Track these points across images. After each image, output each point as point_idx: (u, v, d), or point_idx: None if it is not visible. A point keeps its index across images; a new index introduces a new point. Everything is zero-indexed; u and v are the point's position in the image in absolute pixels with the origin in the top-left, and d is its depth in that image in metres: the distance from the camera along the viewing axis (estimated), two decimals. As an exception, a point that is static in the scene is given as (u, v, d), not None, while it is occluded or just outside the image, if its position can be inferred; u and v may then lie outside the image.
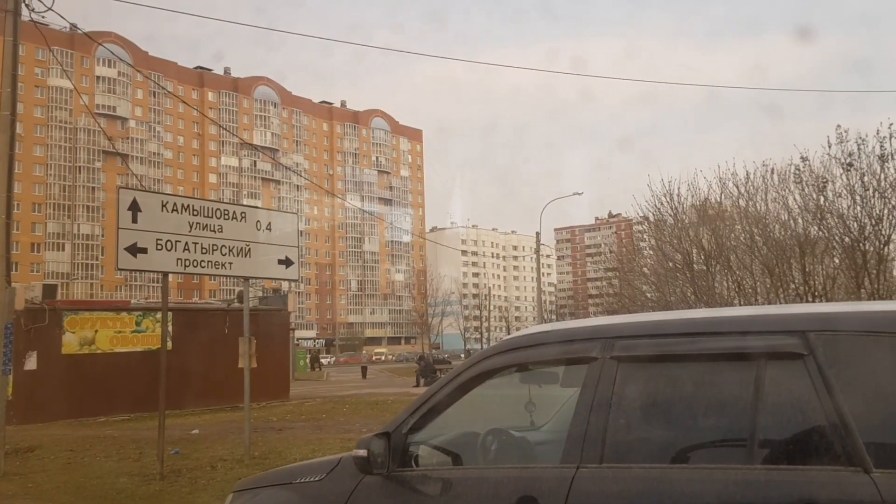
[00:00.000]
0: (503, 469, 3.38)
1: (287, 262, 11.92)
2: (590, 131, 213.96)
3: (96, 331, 20.00)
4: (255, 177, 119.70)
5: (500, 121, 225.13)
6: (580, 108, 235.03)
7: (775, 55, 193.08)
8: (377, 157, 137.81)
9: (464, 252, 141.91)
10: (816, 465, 2.51)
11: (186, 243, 10.52)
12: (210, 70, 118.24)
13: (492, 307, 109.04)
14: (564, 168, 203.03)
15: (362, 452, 3.35)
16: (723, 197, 15.55)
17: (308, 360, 51.28)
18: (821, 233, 13.13)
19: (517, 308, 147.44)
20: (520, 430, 3.85)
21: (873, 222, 12.21)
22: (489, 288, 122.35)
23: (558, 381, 3.71)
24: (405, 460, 3.39)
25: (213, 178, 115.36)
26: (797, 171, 13.29)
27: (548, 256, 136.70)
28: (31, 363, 18.01)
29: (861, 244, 12.32)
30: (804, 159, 13.11)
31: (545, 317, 77.14)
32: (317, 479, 3.68)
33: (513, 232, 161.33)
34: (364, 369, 49.00)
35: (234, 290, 67.61)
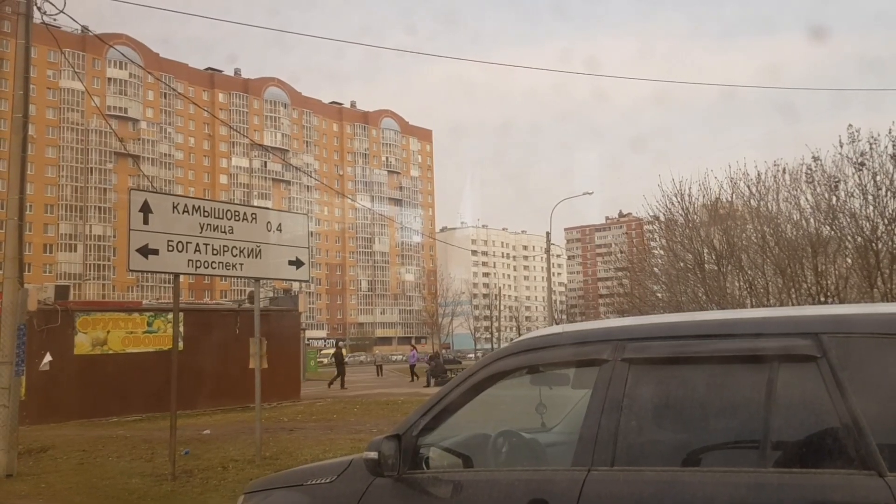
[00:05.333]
0: (514, 471, 3.38)
1: (298, 263, 11.94)
2: (601, 131, 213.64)
3: (108, 331, 20.08)
4: (266, 178, 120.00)
5: (510, 120, 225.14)
6: (592, 108, 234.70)
7: (789, 55, 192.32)
8: (387, 158, 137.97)
9: (474, 252, 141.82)
10: (829, 469, 2.50)
11: (197, 244, 10.55)
12: (221, 71, 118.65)
13: (502, 307, 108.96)
14: (575, 168, 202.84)
15: (373, 455, 3.35)
16: (734, 197, 15.49)
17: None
18: (833, 233, 13.05)
19: (528, 308, 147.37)
20: (530, 432, 3.85)
21: (886, 222, 12.14)
22: (499, 288, 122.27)
23: (569, 383, 3.71)
24: (416, 462, 3.40)
25: (223, 179, 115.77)
26: (809, 171, 13.22)
27: (558, 256, 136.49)
28: (44, 364, 18.10)
29: (874, 244, 12.24)
30: (816, 159, 13.04)
31: (556, 317, 77.08)
32: (328, 480, 3.69)
33: (523, 232, 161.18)
34: (379, 367, 49.72)
35: (245, 290, 67.78)
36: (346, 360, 37.13)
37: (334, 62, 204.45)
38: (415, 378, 36.91)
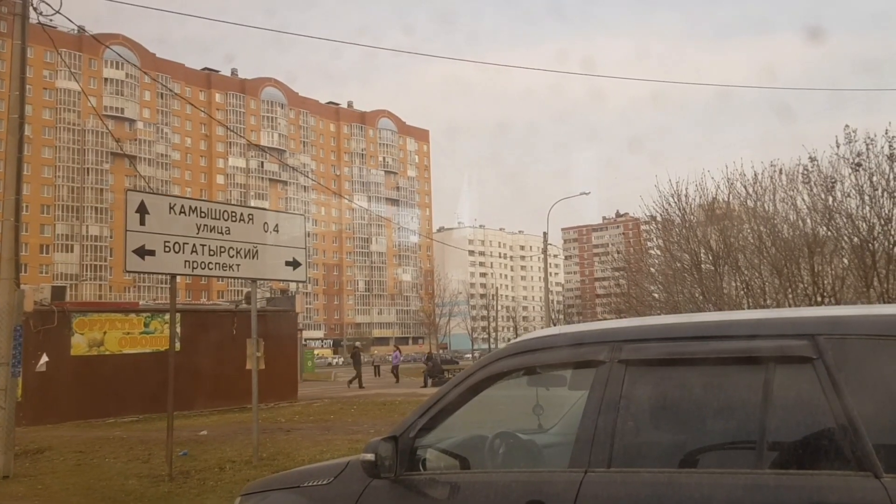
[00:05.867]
0: (511, 473, 3.38)
1: (294, 264, 11.94)
2: (598, 131, 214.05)
3: (105, 332, 20.05)
4: (263, 178, 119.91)
5: (507, 121, 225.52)
6: (588, 108, 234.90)
7: (785, 55, 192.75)
8: (384, 158, 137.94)
9: (471, 252, 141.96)
10: (826, 470, 2.50)
11: (194, 245, 10.54)
12: (217, 71, 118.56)
13: (499, 307, 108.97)
14: (572, 168, 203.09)
15: (370, 456, 3.36)
16: (731, 197, 15.50)
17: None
18: (829, 233, 13.07)
19: (525, 308, 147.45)
20: (527, 433, 3.85)
21: (882, 222, 12.16)
22: (496, 288, 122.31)
23: (566, 384, 3.71)
24: (413, 464, 3.40)
25: (220, 180, 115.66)
26: (805, 172, 13.24)
27: (555, 256, 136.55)
28: (41, 365, 18.06)
29: (870, 244, 12.26)
30: (812, 159, 13.06)
31: (553, 317, 77.08)
32: (325, 482, 3.70)
33: (520, 232, 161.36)
34: (377, 368, 49.79)
35: (241, 290, 67.69)
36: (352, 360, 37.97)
37: (331, 62, 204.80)
38: (398, 379, 37.32)
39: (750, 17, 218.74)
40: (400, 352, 44.69)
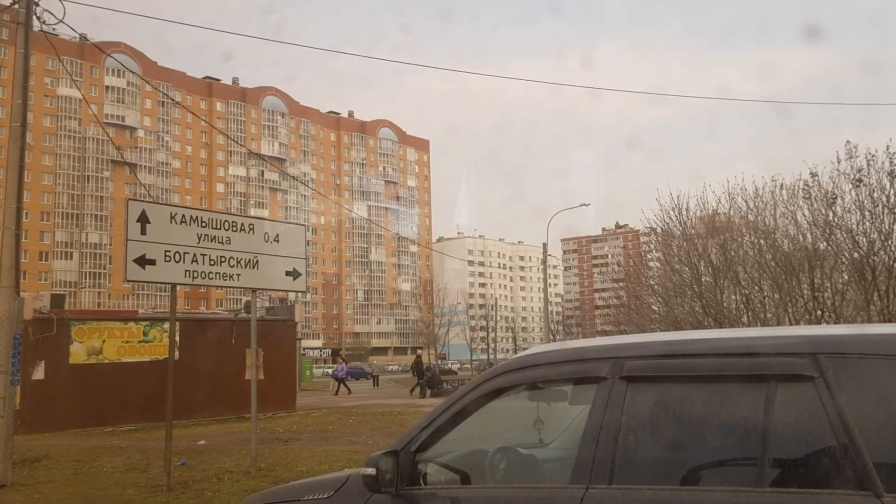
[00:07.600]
0: (512, 488, 3.39)
1: (295, 274, 11.95)
2: (598, 140, 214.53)
3: (104, 340, 20.02)
4: (263, 186, 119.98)
5: (507, 130, 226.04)
6: (589, 118, 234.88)
7: (785, 64, 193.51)
8: (384, 167, 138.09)
9: (470, 262, 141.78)
10: (827, 490, 2.50)
11: (195, 255, 10.55)
12: (218, 80, 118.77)
13: (498, 318, 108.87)
14: (572, 178, 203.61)
15: (370, 471, 3.35)
16: (731, 211, 15.51)
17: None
18: (829, 248, 13.08)
19: (524, 319, 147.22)
20: (528, 448, 3.85)
21: (882, 238, 12.16)
22: (496, 298, 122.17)
23: (567, 399, 3.71)
24: (414, 478, 3.40)
25: (220, 188, 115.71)
26: (806, 187, 13.25)
27: (555, 267, 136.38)
28: (38, 373, 18.03)
29: (870, 259, 12.27)
30: (813, 175, 13.07)
31: (552, 328, 76.90)
32: (325, 496, 3.69)
33: (519, 242, 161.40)
34: (375, 378, 50.15)
35: (240, 299, 67.68)
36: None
37: (332, 72, 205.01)
38: (337, 391, 37.69)
39: (751, 26, 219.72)
40: (346, 363, 45.45)
